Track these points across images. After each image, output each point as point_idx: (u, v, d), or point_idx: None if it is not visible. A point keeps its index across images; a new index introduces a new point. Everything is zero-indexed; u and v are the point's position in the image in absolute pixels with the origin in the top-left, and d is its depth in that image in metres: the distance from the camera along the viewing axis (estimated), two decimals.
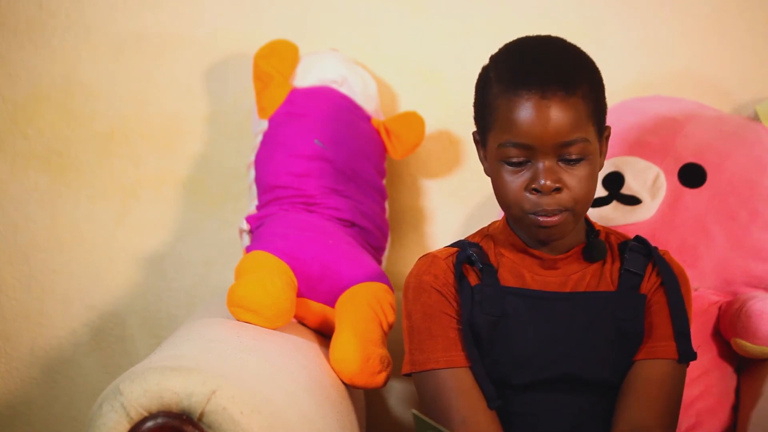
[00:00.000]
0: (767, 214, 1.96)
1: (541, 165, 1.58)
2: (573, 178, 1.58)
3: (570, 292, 1.64)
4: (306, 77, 2.12)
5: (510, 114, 1.58)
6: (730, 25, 2.21)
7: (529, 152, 1.58)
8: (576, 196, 1.59)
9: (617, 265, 1.67)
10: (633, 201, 1.99)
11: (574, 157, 1.58)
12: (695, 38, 2.22)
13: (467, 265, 1.66)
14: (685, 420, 1.88)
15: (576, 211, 1.60)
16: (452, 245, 1.69)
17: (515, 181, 1.59)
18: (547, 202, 1.58)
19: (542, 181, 1.57)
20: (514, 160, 1.59)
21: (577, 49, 1.64)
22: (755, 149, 2.00)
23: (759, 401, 1.83)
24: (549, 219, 1.58)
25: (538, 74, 1.57)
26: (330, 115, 2.08)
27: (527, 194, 1.58)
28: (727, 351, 1.93)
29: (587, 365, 1.62)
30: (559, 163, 1.58)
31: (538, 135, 1.56)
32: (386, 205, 2.14)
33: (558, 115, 1.56)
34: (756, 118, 2.07)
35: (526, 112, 1.57)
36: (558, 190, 1.58)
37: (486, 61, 1.66)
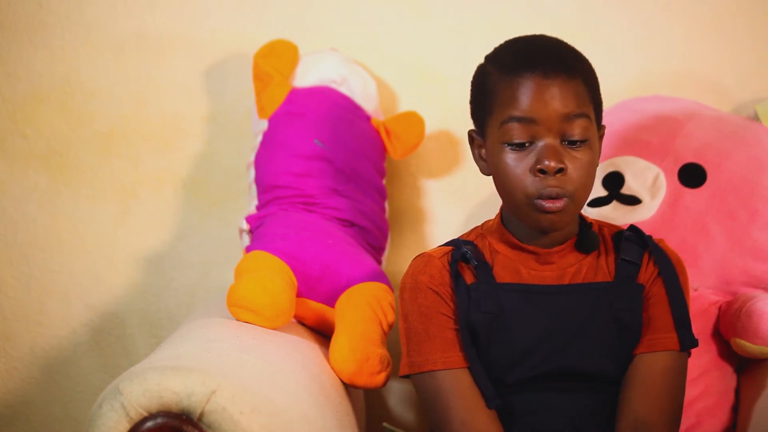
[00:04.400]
0: (767, 214, 1.97)
1: (543, 143, 1.57)
2: (575, 161, 1.58)
3: (567, 284, 1.64)
4: (306, 77, 2.12)
5: (513, 92, 1.58)
6: (730, 25, 2.21)
7: (532, 129, 1.58)
8: (577, 181, 1.58)
9: (612, 256, 1.67)
10: (633, 201, 1.99)
11: (576, 137, 1.58)
12: (695, 38, 2.22)
13: (463, 264, 1.66)
14: (685, 420, 1.88)
15: (576, 198, 1.59)
16: (446, 244, 1.69)
17: (519, 165, 1.59)
18: (552, 183, 1.57)
19: (546, 162, 1.57)
20: (517, 140, 1.58)
21: (570, 45, 1.65)
22: (755, 149, 2.00)
23: (759, 401, 1.83)
24: (554, 204, 1.58)
25: (540, 58, 1.59)
26: (330, 115, 2.08)
27: (531, 176, 1.58)
28: (727, 351, 1.93)
29: (586, 357, 1.62)
30: (562, 144, 1.58)
31: (542, 109, 1.57)
32: (386, 204, 2.14)
33: (561, 92, 1.57)
34: (756, 118, 2.07)
35: (529, 89, 1.57)
36: (562, 171, 1.58)
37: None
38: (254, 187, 2.09)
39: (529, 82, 1.57)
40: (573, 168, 1.58)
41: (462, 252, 1.66)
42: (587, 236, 1.66)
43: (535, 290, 1.64)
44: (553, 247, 1.65)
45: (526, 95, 1.57)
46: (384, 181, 2.14)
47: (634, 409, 1.61)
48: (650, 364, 1.63)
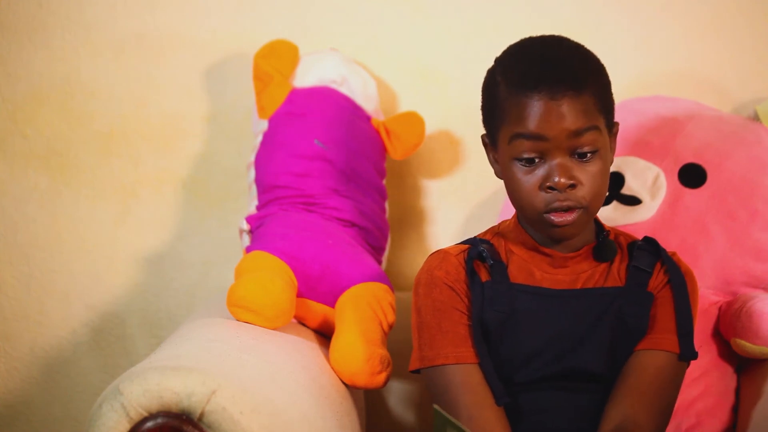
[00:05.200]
0: (767, 214, 1.97)
1: (554, 162, 1.58)
2: (586, 174, 1.58)
3: (579, 289, 1.65)
4: (306, 77, 2.12)
5: (520, 111, 1.58)
6: (730, 25, 2.21)
7: (541, 146, 1.58)
8: (589, 193, 1.59)
9: (625, 263, 1.67)
10: (633, 201, 1.99)
11: (586, 149, 1.58)
12: (695, 38, 2.22)
13: (478, 262, 1.66)
14: (685, 420, 1.88)
15: (589, 209, 1.60)
16: (463, 242, 1.70)
17: (529, 180, 1.59)
18: (562, 198, 1.58)
19: (556, 179, 1.57)
20: (526, 155, 1.58)
21: (580, 47, 1.64)
22: (755, 149, 2.00)
23: (759, 401, 1.83)
24: (564, 218, 1.59)
25: (547, 78, 1.58)
26: (330, 115, 2.08)
27: (542, 193, 1.59)
28: (727, 351, 1.93)
29: (594, 359, 1.63)
30: (572, 158, 1.58)
31: (550, 128, 1.57)
32: (386, 205, 2.14)
33: (569, 110, 1.57)
34: (756, 118, 2.07)
35: (536, 109, 1.57)
36: (572, 186, 1.58)
37: (489, 62, 1.66)
38: (254, 187, 2.09)
39: (537, 103, 1.57)
40: (584, 180, 1.59)
41: (478, 250, 1.66)
42: (605, 245, 1.66)
43: (549, 294, 1.64)
44: (569, 252, 1.65)
45: (534, 115, 1.57)
46: (384, 181, 2.14)
47: (623, 405, 1.61)
48: (646, 361, 1.63)
